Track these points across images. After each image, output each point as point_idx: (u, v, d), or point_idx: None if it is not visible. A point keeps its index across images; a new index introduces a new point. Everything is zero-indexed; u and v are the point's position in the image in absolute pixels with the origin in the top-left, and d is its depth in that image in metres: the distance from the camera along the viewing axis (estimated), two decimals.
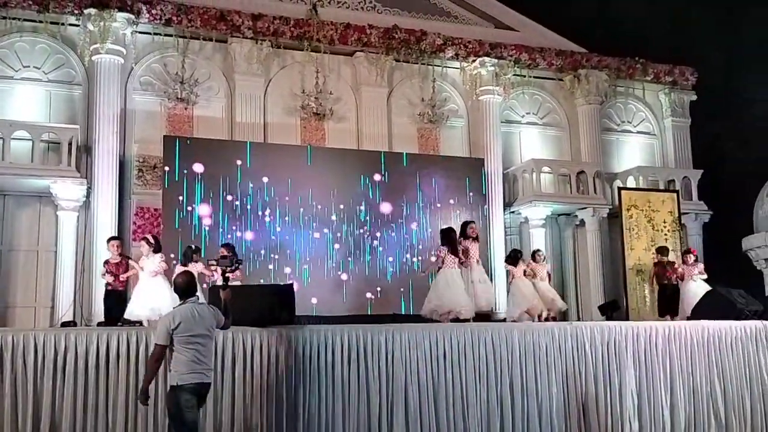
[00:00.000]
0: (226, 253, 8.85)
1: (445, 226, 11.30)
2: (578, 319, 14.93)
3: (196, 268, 10.38)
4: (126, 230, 13.62)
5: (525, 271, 12.12)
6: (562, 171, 16.49)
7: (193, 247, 11.19)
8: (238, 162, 13.72)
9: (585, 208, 16.28)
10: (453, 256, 10.06)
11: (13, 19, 13.47)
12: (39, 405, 6.48)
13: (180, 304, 6.03)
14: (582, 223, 16.53)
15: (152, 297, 9.99)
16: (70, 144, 13.02)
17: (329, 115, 15.35)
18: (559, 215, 16.77)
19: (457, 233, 10.63)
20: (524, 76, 16.91)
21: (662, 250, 13.54)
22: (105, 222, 13.01)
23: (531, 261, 12.74)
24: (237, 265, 7.22)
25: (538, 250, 13.34)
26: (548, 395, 8.35)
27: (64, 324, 10.21)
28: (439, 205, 14.97)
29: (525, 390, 8.24)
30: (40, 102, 13.74)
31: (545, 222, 16.12)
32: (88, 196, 13.28)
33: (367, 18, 15.68)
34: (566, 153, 17.39)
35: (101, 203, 13.14)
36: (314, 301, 13.61)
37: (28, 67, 13.75)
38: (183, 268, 10.40)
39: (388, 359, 7.79)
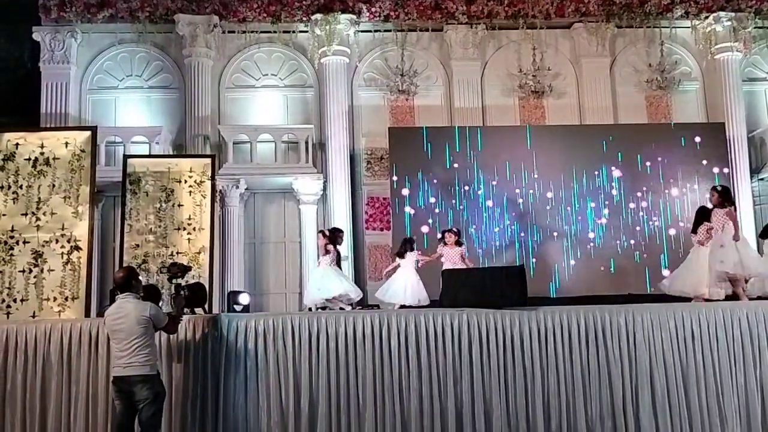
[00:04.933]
0: (176, 261, 8.57)
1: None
2: None
3: (411, 257, 10.75)
4: (359, 219, 14.45)
5: None
6: None
7: (408, 238, 11.49)
8: (459, 147, 13.92)
9: None
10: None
11: (252, 32, 14.86)
12: (299, 383, 7.10)
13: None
14: None
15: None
16: (306, 143, 14.15)
17: (548, 92, 15.02)
18: None
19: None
20: (767, 28, 15.18)
21: None
22: (340, 212, 13.93)
23: None
24: (186, 271, 7.07)
25: None
26: None
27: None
28: (676, 176, 14.00)
29: None
30: (278, 106, 15.03)
31: None
32: (324, 189, 14.29)
33: None
34: None
35: (336, 195, 14.11)
36: (545, 282, 13.41)
37: (267, 75, 15.10)
38: (399, 260, 10.78)
39: (630, 341, 7.43)
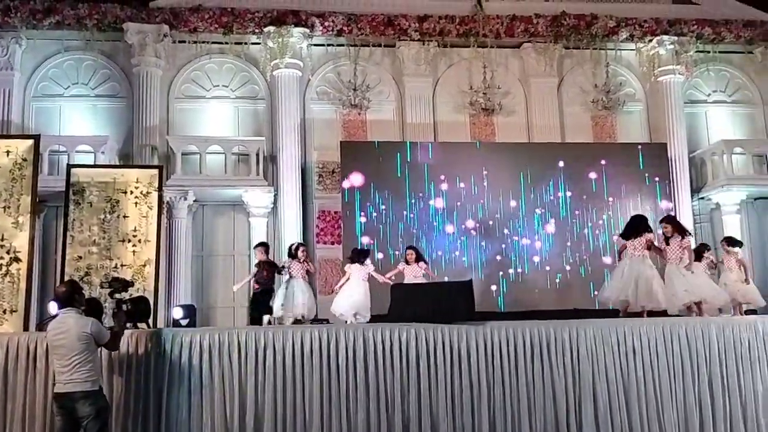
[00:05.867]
0: (118, 276, 8.45)
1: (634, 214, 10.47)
2: None
3: (367, 269, 10.71)
4: (310, 233, 14.39)
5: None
6: (757, 151, 15.23)
7: (362, 249, 11.50)
8: (410, 162, 14.03)
9: None
10: (633, 244, 9.32)
11: (203, 42, 14.73)
12: (244, 399, 7.01)
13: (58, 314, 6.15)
14: None
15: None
16: (257, 155, 14.04)
17: (498, 110, 15.25)
18: (755, 199, 15.44)
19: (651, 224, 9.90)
20: (708, 52, 15.79)
21: None
22: (291, 226, 13.86)
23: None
24: (128, 286, 6.91)
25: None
26: (753, 395, 7.70)
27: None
28: (620, 194, 14.34)
29: (726, 388, 7.65)
30: (229, 117, 14.90)
31: (740, 207, 14.89)
32: (275, 202, 14.19)
33: (533, 7, 15.37)
34: (761, 131, 16.02)
35: (287, 209, 14.03)
36: (493, 296, 13.57)
37: (218, 86, 14.96)
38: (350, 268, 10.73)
39: (573, 356, 7.56)
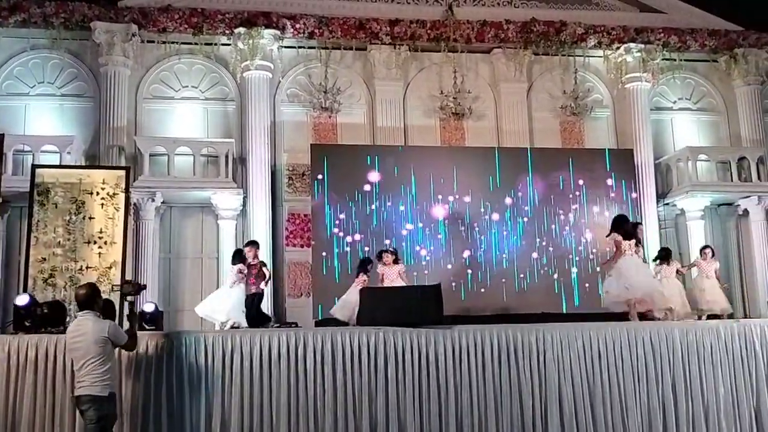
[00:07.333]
0: (129, 279, 8.42)
1: (617, 214, 10.44)
2: (745, 317, 13.93)
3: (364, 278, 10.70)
4: (279, 236, 14.33)
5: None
6: (720, 158, 15.52)
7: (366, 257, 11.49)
8: (380, 166, 14.04)
9: (749, 196, 15.18)
10: (629, 242, 9.22)
11: (172, 43, 14.58)
12: (210, 403, 6.96)
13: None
14: (746, 213, 15.44)
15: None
16: (226, 157, 13.92)
17: (468, 114, 15.34)
18: (719, 205, 15.75)
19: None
20: (674, 60, 16.02)
21: None
22: (260, 229, 13.76)
23: (698, 258, 12.08)
24: (140, 290, 7.02)
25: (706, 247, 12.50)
26: (715, 398, 7.86)
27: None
28: (587, 199, 14.52)
29: (689, 392, 7.80)
30: (198, 119, 14.76)
31: (704, 213, 15.17)
32: (244, 204, 14.09)
33: (503, 13, 15.50)
34: (724, 139, 16.31)
35: (256, 211, 13.93)
36: (461, 300, 13.63)
37: (187, 87, 14.81)
38: (362, 278, 10.70)
39: (540, 360, 7.65)
